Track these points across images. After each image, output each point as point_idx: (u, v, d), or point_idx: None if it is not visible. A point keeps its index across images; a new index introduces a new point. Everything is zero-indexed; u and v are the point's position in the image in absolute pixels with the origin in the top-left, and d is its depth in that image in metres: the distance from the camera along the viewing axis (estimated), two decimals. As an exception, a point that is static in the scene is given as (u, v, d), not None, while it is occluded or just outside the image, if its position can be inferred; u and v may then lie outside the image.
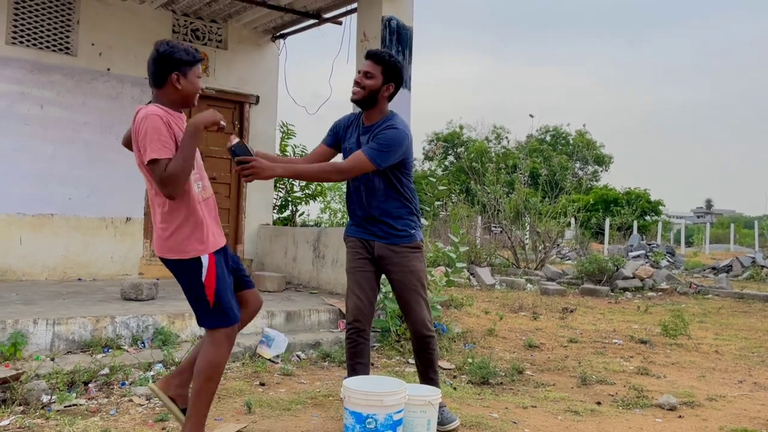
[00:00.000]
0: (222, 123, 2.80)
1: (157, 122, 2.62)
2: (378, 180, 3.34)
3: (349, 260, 3.49)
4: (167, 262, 2.78)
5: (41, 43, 7.20)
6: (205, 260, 2.72)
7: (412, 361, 4.95)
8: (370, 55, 3.35)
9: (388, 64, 3.32)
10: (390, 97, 3.38)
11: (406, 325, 3.54)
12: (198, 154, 2.82)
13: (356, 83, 3.33)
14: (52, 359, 4.20)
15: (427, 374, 3.49)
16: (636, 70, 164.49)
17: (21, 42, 7.08)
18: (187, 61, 2.76)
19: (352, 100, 3.38)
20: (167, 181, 2.59)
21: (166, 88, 2.76)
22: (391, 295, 5.03)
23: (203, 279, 2.72)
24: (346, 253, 3.53)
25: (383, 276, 3.56)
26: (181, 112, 2.81)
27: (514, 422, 3.60)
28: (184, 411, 2.86)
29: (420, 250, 3.46)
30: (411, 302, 3.40)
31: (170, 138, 2.64)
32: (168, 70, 2.73)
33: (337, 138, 3.50)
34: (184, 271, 2.74)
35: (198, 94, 2.85)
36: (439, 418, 3.29)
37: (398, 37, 6.13)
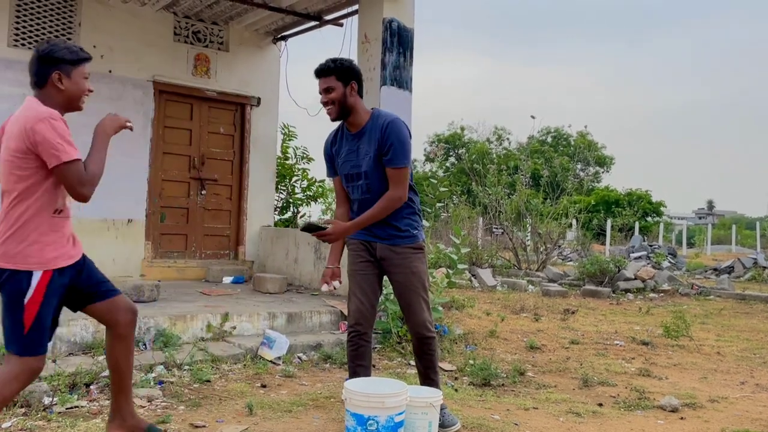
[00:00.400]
0: (129, 124, 2.79)
1: (62, 125, 2.55)
2: (382, 180, 3.32)
3: (351, 263, 3.49)
4: None
5: (43, 45, 7.21)
6: (36, 277, 2.54)
7: (413, 362, 4.95)
8: (318, 73, 3.35)
9: (337, 70, 3.31)
10: (360, 93, 3.38)
11: (407, 326, 3.54)
12: None
13: (324, 104, 3.35)
14: (54, 361, 4.20)
15: (428, 375, 3.49)
16: (636, 71, 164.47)
17: (23, 44, 7.09)
18: (71, 60, 2.66)
19: (333, 119, 3.40)
20: (88, 181, 2.54)
21: (47, 89, 2.65)
22: (392, 296, 5.03)
23: (26, 300, 2.52)
24: (348, 256, 3.53)
25: (384, 277, 3.56)
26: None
27: (516, 424, 3.60)
28: (149, 429, 2.88)
29: (422, 251, 3.46)
30: (412, 303, 3.39)
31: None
32: (49, 68, 2.64)
33: (334, 163, 3.51)
34: (8, 283, 2.53)
35: (84, 97, 2.74)
36: (440, 420, 3.29)
37: (399, 38, 6.14)
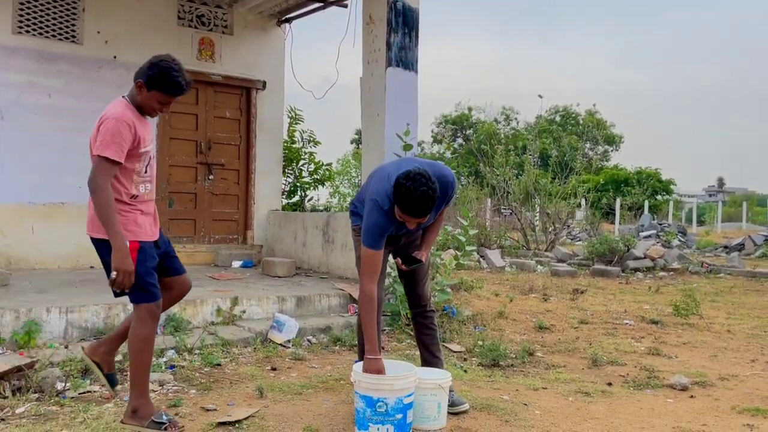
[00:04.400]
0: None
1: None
2: None
3: None
4: (93, 241, 2.99)
5: (47, 32, 7.19)
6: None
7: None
8: (420, 213, 3.08)
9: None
10: None
11: (414, 302, 3.63)
12: (154, 162, 3.12)
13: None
14: (66, 347, 4.24)
15: (433, 352, 3.59)
16: (646, 49, 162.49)
17: (27, 31, 7.07)
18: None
19: None
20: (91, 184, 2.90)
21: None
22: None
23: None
24: (357, 240, 3.52)
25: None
26: None
27: (525, 404, 3.61)
28: (108, 376, 3.20)
29: None
30: (425, 279, 3.58)
31: None
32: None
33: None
34: (107, 250, 2.90)
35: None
36: (449, 401, 3.30)
37: (404, 19, 6.08)
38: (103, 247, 2.94)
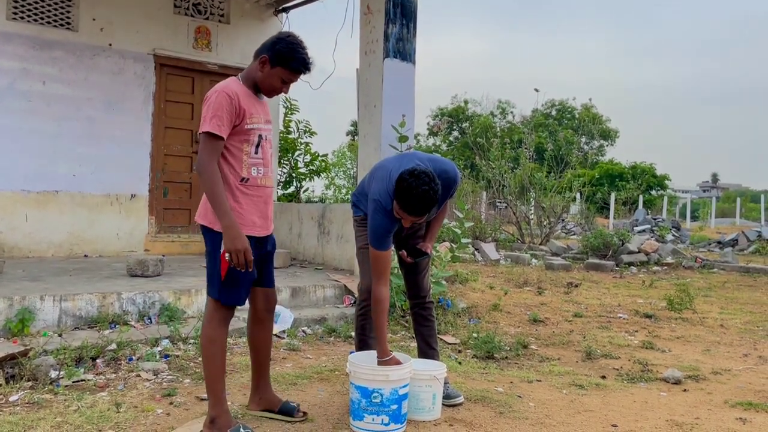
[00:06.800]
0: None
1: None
2: None
3: (364, 238, 3.47)
4: (201, 228, 2.86)
5: (42, 18, 7.13)
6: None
7: (417, 336, 4.97)
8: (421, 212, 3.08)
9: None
10: None
11: (414, 293, 3.60)
12: (269, 146, 2.90)
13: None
14: (60, 335, 4.22)
15: (431, 344, 3.57)
16: (643, 43, 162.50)
17: (22, 17, 7.01)
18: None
19: None
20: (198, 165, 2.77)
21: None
22: (396, 270, 5.04)
23: (221, 252, 2.75)
24: (361, 231, 3.50)
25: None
26: None
27: (519, 396, 3.61)
28: (283, 411, 3.03)
29: None
30: (426, 271, 3.56)
31: None
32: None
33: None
34: (209, 239, 2.82)
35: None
36: (444, 393, 3.31)
37: (402, 9, 6.05)
38: (206, 236, 2.80)
